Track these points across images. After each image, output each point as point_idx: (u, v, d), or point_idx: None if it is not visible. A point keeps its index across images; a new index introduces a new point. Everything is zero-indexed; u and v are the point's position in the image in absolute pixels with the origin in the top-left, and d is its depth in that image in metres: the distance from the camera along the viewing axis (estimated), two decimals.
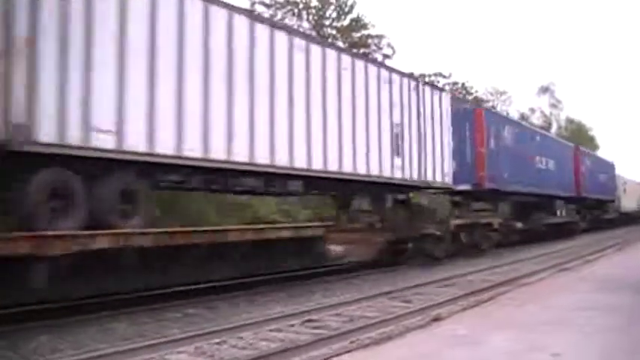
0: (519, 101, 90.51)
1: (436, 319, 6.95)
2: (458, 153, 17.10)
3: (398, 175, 13.45)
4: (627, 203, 40.82)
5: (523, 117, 46.27)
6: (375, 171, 12.81)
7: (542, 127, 40.64)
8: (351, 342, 6.08)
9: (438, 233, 15.59)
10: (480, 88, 49.22)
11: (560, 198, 25.60)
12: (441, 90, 17.07)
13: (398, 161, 13.39)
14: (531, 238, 22.36)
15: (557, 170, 25.00)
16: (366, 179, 12.68)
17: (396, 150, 13.32)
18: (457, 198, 18.45)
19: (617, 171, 39.77)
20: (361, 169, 12.41)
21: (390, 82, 13.44)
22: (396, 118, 13.47)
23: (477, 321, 7.00)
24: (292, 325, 7.33)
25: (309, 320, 7.62)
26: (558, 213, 25.53)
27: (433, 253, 15.40)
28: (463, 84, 34.09)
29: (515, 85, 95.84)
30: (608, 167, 38.30)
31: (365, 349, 5.70)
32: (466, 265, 14.80)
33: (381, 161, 12.94)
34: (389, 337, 6.12)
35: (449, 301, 8.69)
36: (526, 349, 5.52)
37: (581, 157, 29.94)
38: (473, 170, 17.90)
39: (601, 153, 46.62)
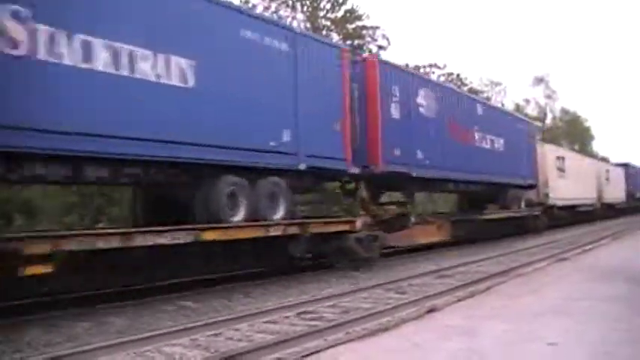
0: (514, 92, 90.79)
1: (431, 310, 6.95)
2: None
3: None
4: (564, 191, 24.61)
5: (518, 108, 46.18)
6: None
7: (536, 119, 38.66)
8: (347, 333, 6.08)
9: None
10: (475, 79, 49.42)
11: (234, 171, 9.59)
12: None
13: None
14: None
15: (250, 92, 9.65)
16: None
17: None
18: None
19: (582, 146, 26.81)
20: None
21: None
22: None
23: (473, 312, 7.00)
24: (287, 317, 7.31)
25: (305, 312, 7.60)
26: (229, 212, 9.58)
27: None
28: (458, 75, 34.06)
29: (510, 76, 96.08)
30: (514, 123, 20.58)
31: (360, 340, 5.69)
32: None
33: None
34: (384, 328, 6.11)
35: (444, 292, 8.68)
36: (522, 339, 5.53)
37: (387, 81, 13.00)
38: None
39: (596, 144, 44.97)
